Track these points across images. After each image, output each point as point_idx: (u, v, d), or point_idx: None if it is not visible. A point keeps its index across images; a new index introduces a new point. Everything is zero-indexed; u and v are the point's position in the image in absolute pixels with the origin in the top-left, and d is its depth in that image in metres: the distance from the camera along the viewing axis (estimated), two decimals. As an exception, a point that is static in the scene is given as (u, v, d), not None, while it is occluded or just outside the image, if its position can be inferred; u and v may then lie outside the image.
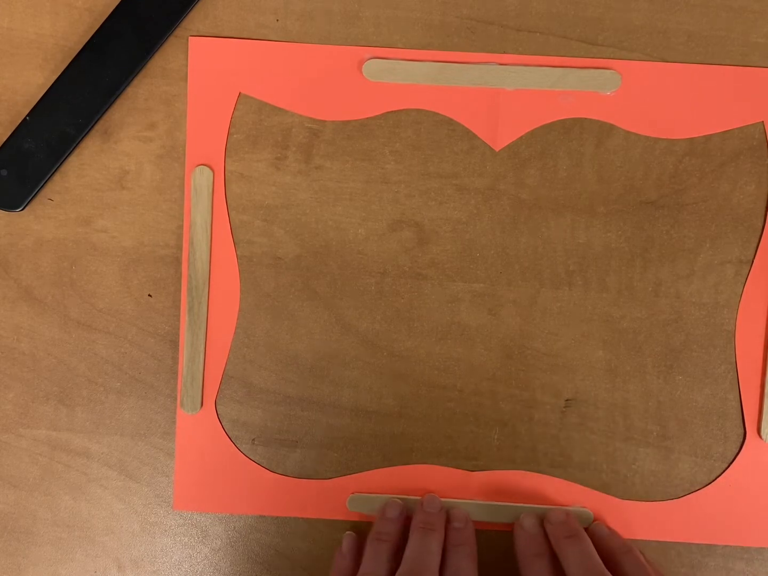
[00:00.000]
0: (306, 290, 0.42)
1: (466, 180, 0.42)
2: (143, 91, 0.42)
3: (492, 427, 0.42)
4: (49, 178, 0.42)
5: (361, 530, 0.42)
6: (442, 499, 0.42)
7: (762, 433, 0.41)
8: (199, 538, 0.43)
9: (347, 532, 0.41)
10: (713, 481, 0.42)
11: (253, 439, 0.43)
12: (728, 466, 0.42)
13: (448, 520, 0.40)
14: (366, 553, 0.39)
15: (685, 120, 0.41)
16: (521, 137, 0.42)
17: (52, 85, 0.41)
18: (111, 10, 0.41)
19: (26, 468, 0.43)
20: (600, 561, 0.37)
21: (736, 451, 0.42)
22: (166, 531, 0.43)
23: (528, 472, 0.42)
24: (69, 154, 0.42)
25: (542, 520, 0.41)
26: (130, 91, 0.42)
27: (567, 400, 0.42)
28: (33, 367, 0.43)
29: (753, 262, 0.41)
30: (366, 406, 0.42)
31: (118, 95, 0.41)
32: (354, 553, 0.40)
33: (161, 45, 0.41)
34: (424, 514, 0.40)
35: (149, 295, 0.43)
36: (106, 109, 0.41)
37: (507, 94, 0.41)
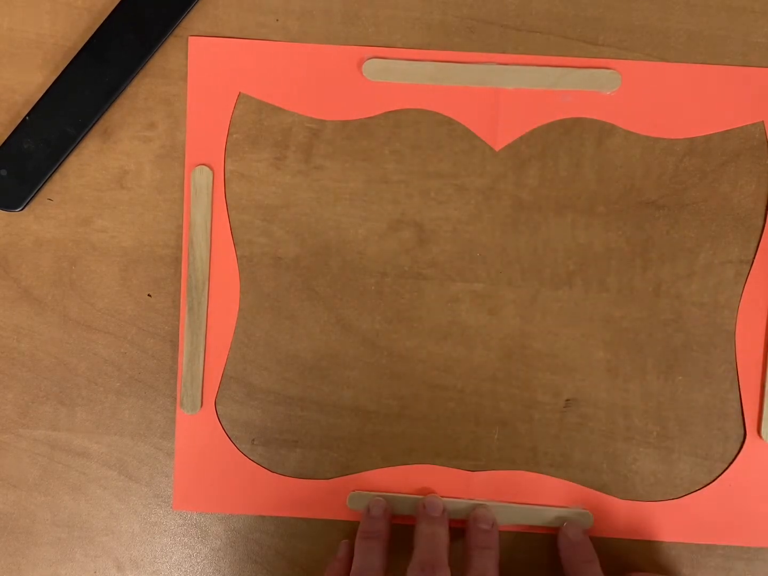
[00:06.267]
0: (306, 290, 0.42)
1: (466, 180, 0.42)
2: (143, 91, 0.42)
3: (492, 427, 0.42)
4: (48, 178, 0.42)
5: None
6: (444, 499, 0.42)
7: (762, 433, 0.41)
8: (199, 538, 0.43)
9: (343, 541, 0.42)
10: (713, 481, 0.42)
11: (253, 439, 0.43)
12: (728, 466, 0.42)
13: (473, 519, 0.41)
14: (357, 552, 0.39)
15: (685, 120, 0.41)
16: (521, 137, 0.42)
17: (52, 85, 0.41)
18: (111, 10, 0.41)
19: (26, 468, 0.43)
20: None
21: (736, 451, 0.42)
22: (166, 531, 0.43)
23: (528, 472, 0.42)
24: (69, 154, 0.41)
25: (584, 523, 0.41)
26: (130, 91, 0.42)
27: (567, 400, 0.42)
28: (33, 367, 0.43)
29: (753, 262, 0.41)
30: (366, 406, 0.42)
31: (118, 95, 0.41)
32: (348, 559, 0.40)
33: (161, 45, 0.41)
34: (428, 519, 0.40)
35: (149, 295, 0.43)
36: (106, 109, 0.41)
37: (507, 94, 0.41)
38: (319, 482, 0.43)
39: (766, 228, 0.41)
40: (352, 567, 0.38)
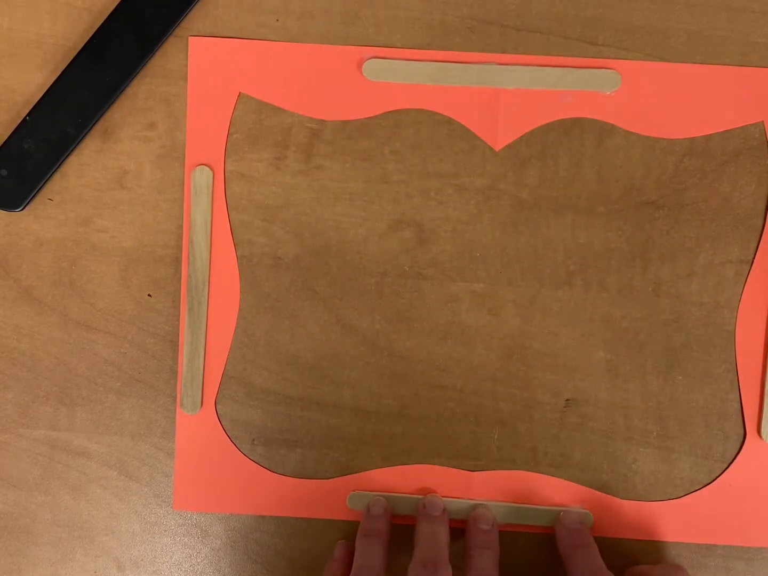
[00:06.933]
0: (306, 290, 0.42)
1: (466, 180, 0.42)
2: (143, 91, 0.42)
3: (492, 427, 0.42)
4: (49, 178, 0.42)
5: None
6: (444, 499, 0.42)
7: (762, 433, 0.41)
8: (199, 538, 0.43)
9: (340, 541, 0.42)
10: (713, 481, 0.42)
11: (253, 439, 0.43)
12: (728, 466, 0.42)
13: (473, 519, 0.41)
14: (357, 550, 0.39)
15: (685, 120, 0.41)
16: (521, 137, 0.42)
17: (52, 85, 0.41)
18: (111, 10, 0.41)
19: (26, 468, 0.43)
20: (605, 568, 0.38)
21: (736, 451, 0.42)
22: (166, 531, 0.43)
23: (528, 472, 0.42)
24: (69, 154, 0.42)
25: (582, 516, 0.41)
26: (130, 91, 0.42)
27: (567, 400, 0.42)
28: (33, 367, 0.43)
29: (753, 262, 0.41)
30: (366, 406, 0.42)
31: (118, 95, 0.41)
32: (346, 560, 0.40)
33: (161, 45, 0.41)
34: (429, 518, 0.40)
35: (149, 295, 0.43)
36: (106, 109, 0.41)
37: (507, 94, 0.41)
38: (319, 482, 0.43)
39: (766, 228, 0.41)
40: (353, 565, 0.38)
